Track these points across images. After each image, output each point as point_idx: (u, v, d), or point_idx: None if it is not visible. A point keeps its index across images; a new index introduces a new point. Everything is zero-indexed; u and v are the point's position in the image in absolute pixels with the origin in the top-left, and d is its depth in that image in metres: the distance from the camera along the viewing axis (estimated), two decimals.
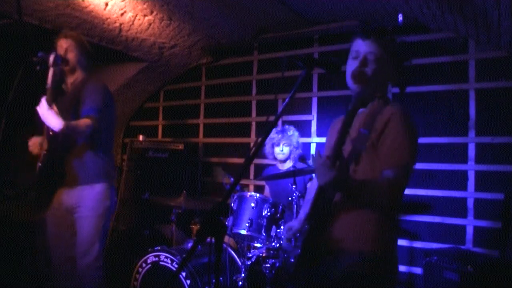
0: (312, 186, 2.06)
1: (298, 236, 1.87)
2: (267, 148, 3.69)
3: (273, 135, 3.60)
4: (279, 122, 4.22)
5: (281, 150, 3.60)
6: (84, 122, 2.46)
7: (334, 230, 1.61)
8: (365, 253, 1.54)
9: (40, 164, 2.47)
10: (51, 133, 2.44)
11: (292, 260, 2.59)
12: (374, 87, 1.65)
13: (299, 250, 1.67)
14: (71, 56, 2.60)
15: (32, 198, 2.52)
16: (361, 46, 1.65)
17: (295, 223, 1.98)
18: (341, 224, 1.60)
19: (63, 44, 2.62)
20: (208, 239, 1.26)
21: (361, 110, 1.69)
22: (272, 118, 1.49)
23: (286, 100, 1.41)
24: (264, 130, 1.46)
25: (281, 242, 2.84)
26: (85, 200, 2.56)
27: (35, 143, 2.57)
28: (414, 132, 1.58)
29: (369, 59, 1.63)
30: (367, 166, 1.57)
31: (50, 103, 2.32)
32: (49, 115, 2.30)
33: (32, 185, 2.53)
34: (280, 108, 1.43)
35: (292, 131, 3.64)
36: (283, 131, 3.62)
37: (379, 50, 1.63)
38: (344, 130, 1.53)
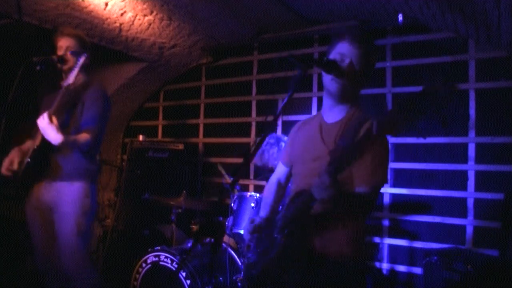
0: (268, 188, 2.03)
1: (253, 242, 1.83)
2: None
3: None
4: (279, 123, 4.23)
5: None
6: (83, 137, 2.46)
7: (317, 239, 1.65)
8: (349, 257, 1.65)
9: (28, 160, 2.44)
10: None
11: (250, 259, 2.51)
12: (351, 89, 1.70)
13: (255, 257, 1.74)
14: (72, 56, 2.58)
15: (10, 194, 2.47)
16: (347, 50, 1.67)
17: (257, 218, 1.89)
18: (325, 233, 1.65)
19: (63, 43, 2.59)
20: (207, 240, 1.26)
21: (337, 119, 1.73)
22: (271, 118, 1.48)
23: (285, 100, 1.41)
24: (263, 130, 1.45)
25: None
26: (64, 197, 2.52)
27: (10, 160, 2.50)
28: (388, 150, 1.67)
29: (355, 63, 1.66)
30: (345, 177, 1.58)
31: (51, 117, 2.31)
32: (49, 129, 2.30)
33: (15, 180, 2.49)
34: (279, 108, 1.43)
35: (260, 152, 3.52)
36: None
37: (362, 57, 1.67)
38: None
